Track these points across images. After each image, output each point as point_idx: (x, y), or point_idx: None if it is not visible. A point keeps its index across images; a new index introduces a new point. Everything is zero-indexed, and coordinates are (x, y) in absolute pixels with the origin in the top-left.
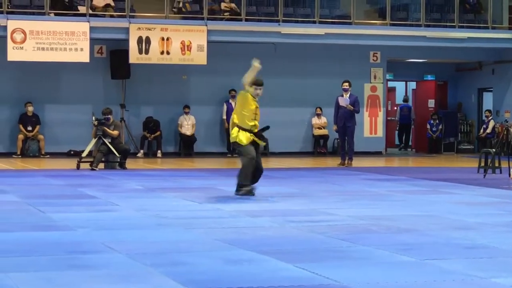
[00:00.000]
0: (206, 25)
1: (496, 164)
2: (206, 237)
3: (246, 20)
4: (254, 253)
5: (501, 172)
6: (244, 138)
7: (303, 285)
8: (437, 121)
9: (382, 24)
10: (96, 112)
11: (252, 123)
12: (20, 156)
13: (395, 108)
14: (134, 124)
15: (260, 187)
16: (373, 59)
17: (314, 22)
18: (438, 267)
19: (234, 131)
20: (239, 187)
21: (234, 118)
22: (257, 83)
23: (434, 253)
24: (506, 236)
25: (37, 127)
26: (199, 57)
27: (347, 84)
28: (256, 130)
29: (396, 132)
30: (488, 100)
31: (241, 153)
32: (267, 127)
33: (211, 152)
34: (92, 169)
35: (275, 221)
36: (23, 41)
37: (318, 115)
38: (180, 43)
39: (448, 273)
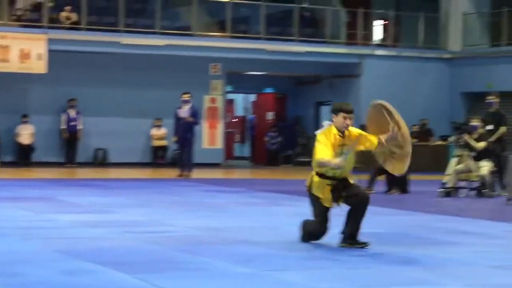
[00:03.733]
0: (46, 34)
1: None
2: (43, 248)
3: (87, 29)
4: (92, 263)
5: None
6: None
7: None
8: (276, 134)
9: (223, 36)
10: None
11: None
12: None
13: (234, 120)
14: None
15: (99, 197)
16: (213, 71)
17: (155, 33)
18: (276, 278)
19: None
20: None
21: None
22: (345, 109)
23: (272, 264)
24: (342, 247)
25: None
26: (38, 66)
27: (187, 95)
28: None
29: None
30: (326, 114)
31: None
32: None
33: (50, 162)
34: None
35: (114, 231)
36: None
37: (158, 126)
38: (19, 51)
39: (286, 285)
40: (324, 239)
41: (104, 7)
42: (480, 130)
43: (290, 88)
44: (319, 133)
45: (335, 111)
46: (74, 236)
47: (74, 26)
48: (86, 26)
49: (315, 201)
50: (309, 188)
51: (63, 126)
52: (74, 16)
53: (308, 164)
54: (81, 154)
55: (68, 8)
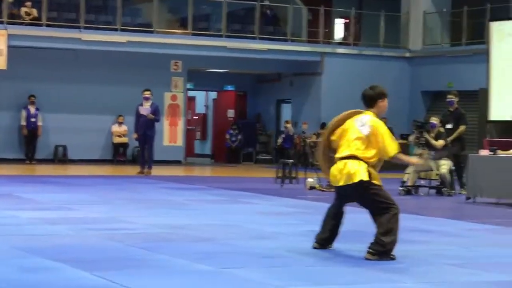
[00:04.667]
0: (6, 29)
1: (293, 175)
2: (2, 245)
3: (47, 25)
4: (51, 261)
5: (298, 183)
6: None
7: None
8: (237, 131)
9: (184, 33)
10: None
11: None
12: None
13: (195, 117)
14: None
15: (58, 194)
16: (174, 68)
17: (116, 29)
18: (236, 276)
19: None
20: (382, 251)
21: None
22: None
23: (232, 261)
24: (302, 245)
25: None
26: None
27: (148, 92)
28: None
29: None
30: (286, 111)
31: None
32: None
33: (9, 159)
34: None
35: (73, 228)
36: None
37: (119, 123)
38: None
39: (245, 282)
40: (284, 238)
41: (64, 3)
42: (439, 129)
43: (251, 86)
44: (375, 120)
45: (381, 96)
46: (33, 233)
47: (35, 22)
48: (47, 22)
49: (381, 190)
50: (369, 180)
51: (23, 123)
52: (34, 12)
53: (269, 162)
54: (40, 150)
55: (28, 3)
